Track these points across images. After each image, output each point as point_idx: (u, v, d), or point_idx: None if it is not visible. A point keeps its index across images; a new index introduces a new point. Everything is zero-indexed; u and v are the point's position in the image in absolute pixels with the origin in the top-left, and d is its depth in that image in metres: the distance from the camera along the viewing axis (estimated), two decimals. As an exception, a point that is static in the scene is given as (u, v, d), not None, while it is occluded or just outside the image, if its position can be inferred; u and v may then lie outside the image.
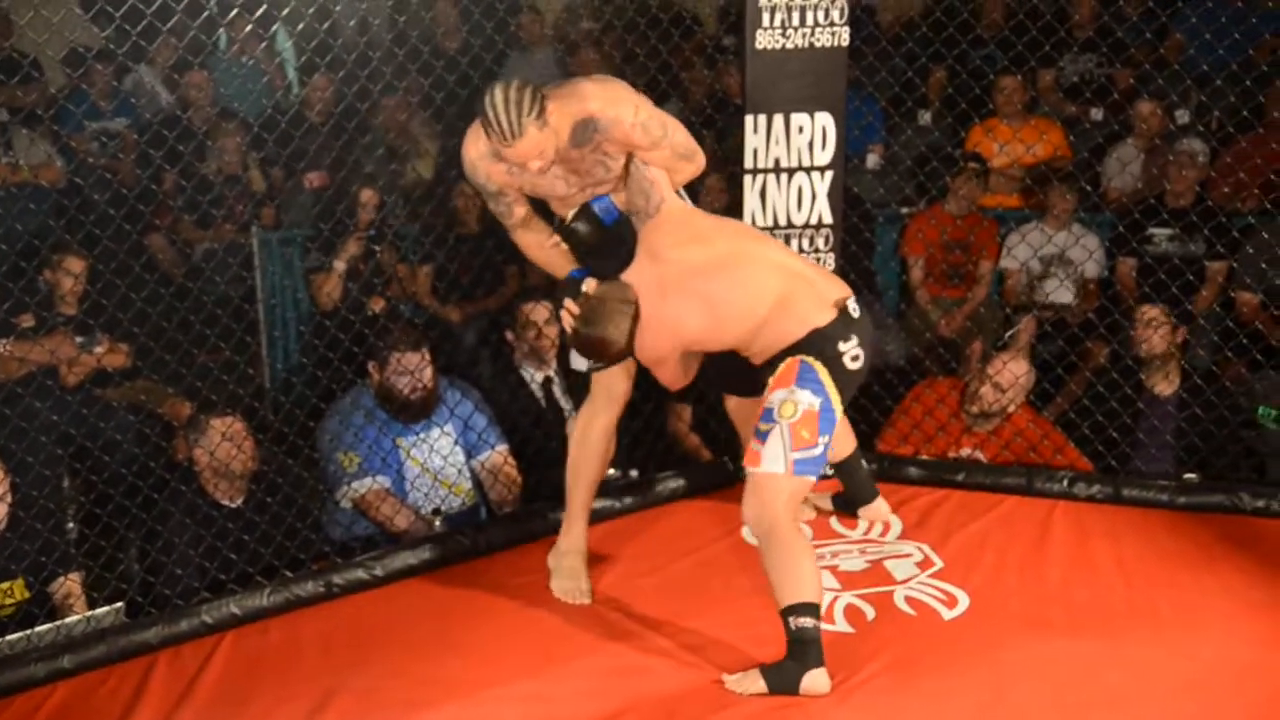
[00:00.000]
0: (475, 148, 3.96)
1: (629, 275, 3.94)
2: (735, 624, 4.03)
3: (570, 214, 4.10)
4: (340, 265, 6.29)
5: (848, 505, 4.77)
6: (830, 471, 4.67)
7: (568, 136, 3.89)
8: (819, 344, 3.83)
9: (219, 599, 4.29)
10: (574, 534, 4.43)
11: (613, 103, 3.93)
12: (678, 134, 4.07)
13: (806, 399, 3.80)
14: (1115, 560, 4.47)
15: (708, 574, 4.44)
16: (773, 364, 3.88)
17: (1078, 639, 3.99)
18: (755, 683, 3.79)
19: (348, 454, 5.05)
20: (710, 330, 3.90)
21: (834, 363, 3.84)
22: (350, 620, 4.28)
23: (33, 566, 4.48)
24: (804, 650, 3.76)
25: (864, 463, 4.77)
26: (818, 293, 3.92)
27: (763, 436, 3.82)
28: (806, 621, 3.75)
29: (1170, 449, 5.41)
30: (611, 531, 4.80)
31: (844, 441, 4.61)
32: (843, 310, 3.88)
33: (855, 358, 3.87)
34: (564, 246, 4.15)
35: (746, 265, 3.91)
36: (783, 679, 3.77)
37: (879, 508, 4.76)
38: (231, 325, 4.96)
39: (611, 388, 4.35)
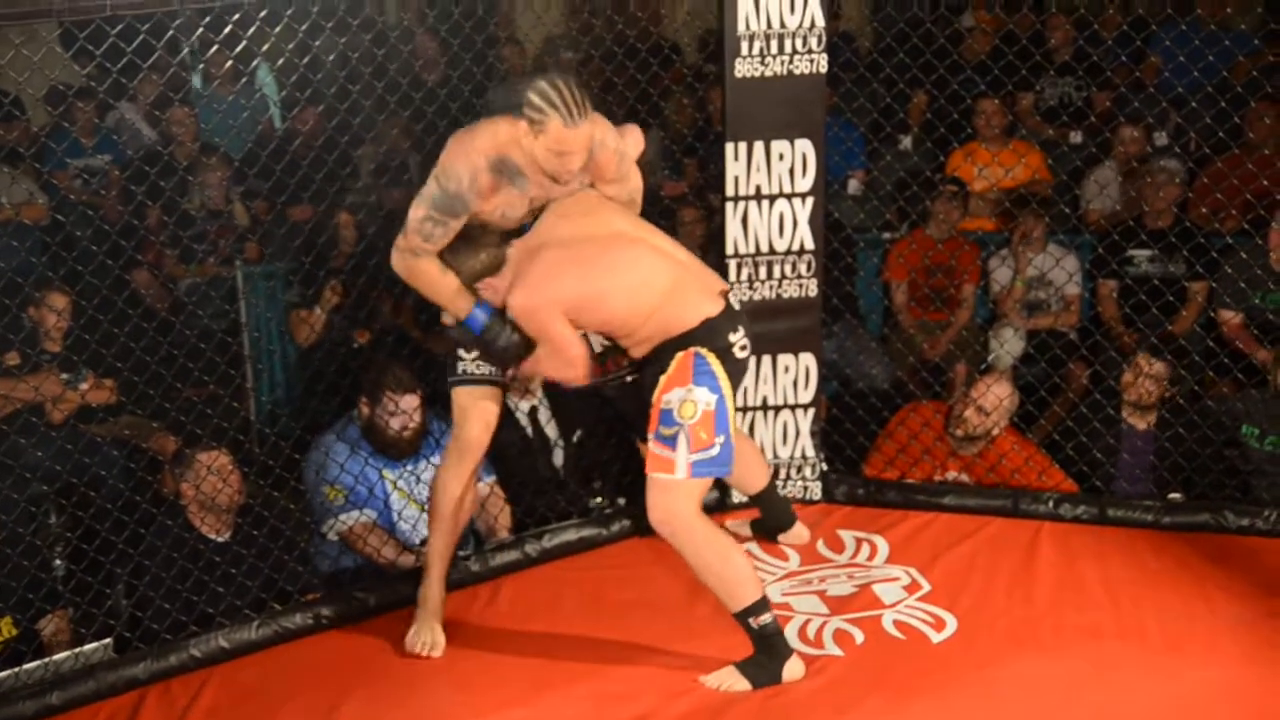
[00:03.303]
0: (485, 146, 3.76)
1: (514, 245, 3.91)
2: (724, 647, 4.01)
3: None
4: (320, 313, 6.29)
5: (768, 532, 4.80)
6: (745, 499, 4.82)
7: None
8: (710, 335, 3.83)
9: (207, 633, 4.28)
10: (428, 588, 4.32)
11: (603, 126, 3.90)
12: (636, 178, 4.07)
13: (704, 397, 3.79)
14: (1102, 581, 4.48)
15: (695, 599, 4.44)
16: (659, 358, 3.85)
17: (1066, 660, 4.01)
18: (738, 680, 3.89)
19: (334, 487, 5.04)
20: (590, 298, 3.83)
21: (725, 354, 3.84)
22: (339, 652, 4.28)
23: (20, 604, 4.48)
24: (772, 644, 3.90)
25: (779, 491, 4.83)
26: (703, 283, 3.93)
27: (668, 441, 3.81)
28: (765, 618, 3.87)
29: (1152, 470, 5.42)
30: (599, 559, 4.81)
31: (759, 473, 4.67)
32: (728, 302, 3.91)
33: (744, 347, 3.90)
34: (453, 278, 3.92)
35: (633, 246, 3.90)
36: (765, 674, 3.89)
37: (799, 533, 4.78)
38: (216, 359, 4.96)
39: (460, 436, 4.24)
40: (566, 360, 3.93)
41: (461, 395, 4.22)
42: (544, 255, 3.84)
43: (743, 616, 3.87)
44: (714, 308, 3.86)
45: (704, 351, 3.81)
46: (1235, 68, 6.81)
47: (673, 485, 3.83)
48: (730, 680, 3.90)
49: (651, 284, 3.84)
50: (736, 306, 3.95)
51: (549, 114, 3.66)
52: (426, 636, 4.24)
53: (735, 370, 3.88)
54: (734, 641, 3.97)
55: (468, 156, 3.78)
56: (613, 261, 3.85)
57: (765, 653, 3.90)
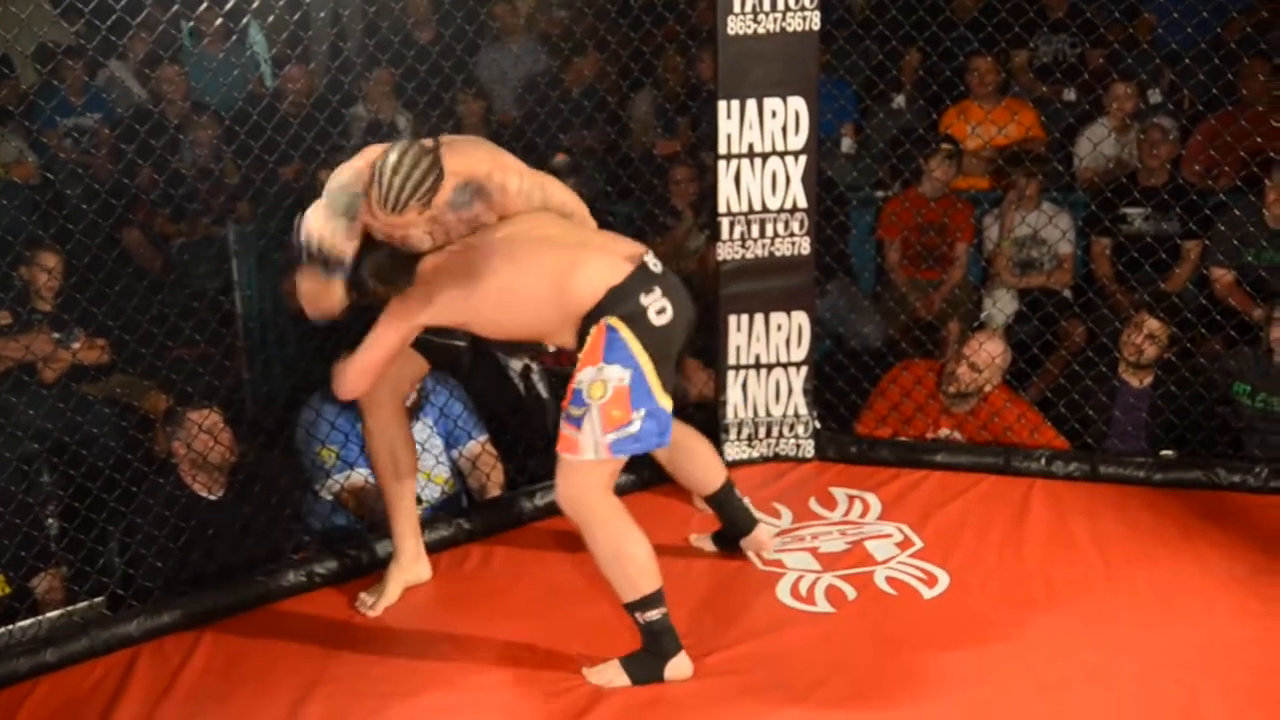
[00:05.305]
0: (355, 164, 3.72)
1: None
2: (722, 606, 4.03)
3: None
4: None
5: (728, 541, 4.48)
6: (704, 507, 4.53)
7: (448, 197, 3.72)
8: (617, 301, 3.65)
9: (200, 591, 4.29)
10: (394, 544, 4.38)
11: (501, 169, 3.81)
12: (556, 194, 3.94)
13: (615, 374, 3.63)
14: (1093, 537, 4.50)
15: (690, 554, 4.45)
16: (582, 339, 3.71)
17: (1057, 616, 4.03)
18: (618, 675, 3.77)
19: (326, 447, 5.04)
20: (467, 308, 3.80)
21: (638, 321, 3.64)
22: (332, 610, 4.29)
23: (13, 562, 4.48)
24: (658, 640, 3.76)
25: (737, 492, 4.47)
26: (608, 255, 3.76)
27: (575, 421, 3.66)
28: (654, 614, 3.74)
29: (1145, 427, 5.44)
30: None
31: (714, 471, 4.41)
32: (640, 265, 3.72)
33: (660, 311, 3.68)
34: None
35: (495, 254, 3.78)
36: (645, 670, 3.76)
37: (761, 537, 4.47)
38: (208, 318, 4.94)
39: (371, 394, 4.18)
40: (357, 369, 3.95)
41: None
42: (422, 274, 3.84)
43: (632, 608, 3.74)
44: (618, 275, 3.68)
45: (614, 322, 3.64)
46: (1229, 24, 6.80)
47: (578, 466, 3.70)
48: (610, 675, 3.78)
49: (525, 279, 3.73)
50: (657, 269, 3.75)
51: (370, 192, 3.58)
52: (368, 595, 4.29)
53: (654, 339, 3.67)
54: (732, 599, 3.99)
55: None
56: (482, 270, 3.76)
57: (651, 649, 3.78)
